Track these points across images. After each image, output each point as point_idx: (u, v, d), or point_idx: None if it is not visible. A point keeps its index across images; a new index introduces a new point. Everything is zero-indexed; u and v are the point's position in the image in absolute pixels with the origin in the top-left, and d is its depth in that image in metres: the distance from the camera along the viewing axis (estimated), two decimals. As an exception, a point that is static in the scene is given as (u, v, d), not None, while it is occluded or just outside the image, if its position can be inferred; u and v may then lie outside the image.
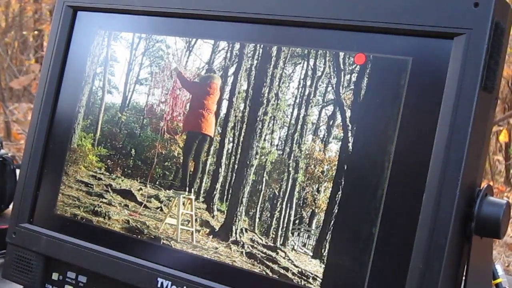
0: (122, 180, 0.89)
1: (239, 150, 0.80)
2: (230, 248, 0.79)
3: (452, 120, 0.65)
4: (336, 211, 0.73)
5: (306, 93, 0.77)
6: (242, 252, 0.78)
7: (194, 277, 0.79)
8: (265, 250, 0.77)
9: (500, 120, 4.41)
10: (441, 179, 0.65)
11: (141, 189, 0.87)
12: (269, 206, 0.78)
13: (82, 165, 0.92)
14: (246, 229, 0.79)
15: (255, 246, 0.77)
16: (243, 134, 0.80)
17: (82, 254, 0.87)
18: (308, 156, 0.76)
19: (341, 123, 0.74)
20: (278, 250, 0.76)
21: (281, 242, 0.76)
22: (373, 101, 0.72)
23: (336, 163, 0.73)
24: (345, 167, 0.72)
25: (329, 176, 0.74)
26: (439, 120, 0.66)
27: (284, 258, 0.76)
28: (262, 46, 0.80)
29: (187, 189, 0.84)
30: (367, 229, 0.69)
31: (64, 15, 0.95)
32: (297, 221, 0.76)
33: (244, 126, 0.80)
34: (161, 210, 0.85)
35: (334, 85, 0.75)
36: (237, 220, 0.79)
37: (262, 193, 0.78)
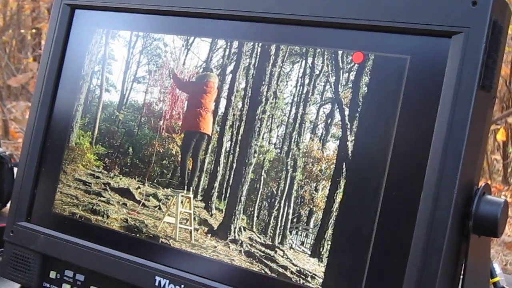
0: (120, 179, 0.89)
1: (237, 149, 0.80)
2: (229, 247, 0.79)
3: (450, 118, 0.65)
4: (334, 209, 0.73)
5: (305, 91, 0.77)
6: (240, 251, 0.78)
7: (192, 275, 0.79)
8: (263, 248, 0.77)
9: (498, 119, 4.42)
10: (439, 177, 0.65)
11: (139, 187, 0.87)
12: (267, 205, 0.78)
13: (80, 164, 0.92)
14: (244, 228, 0.79)
15: (253, 244, 0.77)
16: (241, 132, 0.80)
17: (79, 253, 0.87)
18: (306, 154, 0.76)
19: (339, 122, 0.74)
20: (276, 249, 0.76)
21: (279, 241, 0.76)
22: (371, 99, 0.72)
23: (334, 161, 0.73)
24: (343, 166, 0.72)
25: (327, 174, 0.74)
26: (437, 118, 0.66)
27: (282, 256, 0.76)
28: (260, 44, 0.80)
29: (186, 187, 0.84)
30: (365, 227, 0.69)
31: (61, 13, 0.95)
32: (295, 220, 0.76)
33: (243, 124, 0.80)
34: (159, 208, 0.85)
35: (332, 84, 0.75)
36: (235, 219, 0.79)
37: (260, 191, 0.78)
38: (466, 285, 0.68)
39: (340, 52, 0.74)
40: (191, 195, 0.83)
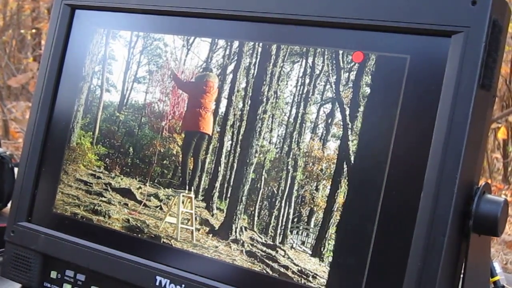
0: (121, 179, 0.89)
1: (238, 149, 0.80)
2: (230, 247, 0.79)
3: (450, 118, 0.65)
4: (334, 209, 0.73)
5: (305, 91, 0.77)
6: (242, 251, 0.78)
7: (192, 275, 0.79)
8: (264, 248, 0.77)
9: (498, 118, 4.42)
10: (439, 177, 0.65)
11: (140, 187, 0.88)
12: (268, 205, 0.78)
13: (81, 164, 0.92)
14: (245, 228, 0.79)
15: (254, 244, 0.78)
16: (242, 132, 0.81)
17: (80, 253, 0.87)
18: (307, 154, 0.76)
19: (339, 121, 0.74)
20: (277, 249, 0.76)
21: (280, 241, 0.76)
22: (372, 99, 0.72)
23: (335, 161, 0.73)
24: (344, 165, 0.73)
25: (327, 174, 0.74)
26: (437, 118, 0.66)
27: (283, 256, 0.76)
28: (261, 44, 0.80)
29: (187, 187, 0.84)
30: (366, 227, 0.70)
31: (62, 14, 0.95)
32: (295, 219, 0.76)
33: (243, 124, 0.81)
34: (161, 208, 0.85)
35: (332, 83, 0.75)
36: (236, 219, 0.79)
37: (261, 191, 0.78)
38: (466, 284, 0.68)
39: (340, 52, 0.74)
40: (192, 195, 0.84)
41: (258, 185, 0.79)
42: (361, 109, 0.72)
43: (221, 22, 0.83)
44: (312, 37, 0.77)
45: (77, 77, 0.93)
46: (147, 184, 0.87)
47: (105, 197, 0.90)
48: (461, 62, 0.65)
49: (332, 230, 0.73)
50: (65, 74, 0.94)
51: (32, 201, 0.94)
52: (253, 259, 0.77)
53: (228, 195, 0.81)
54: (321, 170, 0.75)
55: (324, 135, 0.75)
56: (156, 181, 0.87)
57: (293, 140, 0.77)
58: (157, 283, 0.81)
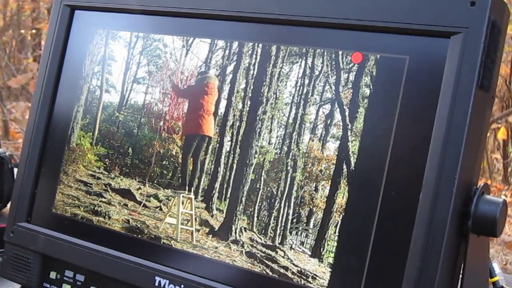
0: (121, 179, 0.89)
1: (238, 149, 0.80)
2: (230, 248, 0.79)
3: (449, 118, 0.65)
4: (334, 210, 0.73)
5: (305, 92, 0.77)
6: (241, 252, 0.78)
7: (191, 275, 0.79)
8: (264, 249, 0.77)
9: (498, 118, 4.42)
10: (438, 177, 0.65)
11: (140, 188, 0.88)
12: (267, 205, 0.78)
13: (81, 164, 0.92)
14: (245, 228, 0.79)
15: (254, 245, 0.78)
16: (241, 133, 0.81)
17: (80, 253, 0.87)
18: (306, 155, 0.76)
19: (339, 122, 0.74)
20: (277, 249, 0.76)
21: (279, 241, 0.76)
22: (371, 99, 0.72)
23: (334, 161, 0.73)
24: (344, 166, 0.73)
25: (327, 174, 0.74)
26: (436, 118, 0.66)
27: (283, 257, 0.76)
28: (260, 45, 0.80)
29: (187, 188, 0.84)
30: (365, 227, 0.70)
31: (61, 14, 0.95)
32: (295, 220, 0.76)
33: (243, 125, 0.81)
34: (160, 209, 0.86)
35: (332, 84, 0.75)
36: (236, 220, 0.79)
37: (260, 192, 0.79)
38: (465, 284, 0.68)
39: (339, 53, 0.74)
40: (192, 195, 0.84)
41: (258, 186, 0.79)
42: (361, 110, 0.72)
43: (221, 23, 0.83)
44: (312, 38, 0.77)
45: (76, 77, 0.94)
46: (147, 184, 0.87)
47: (105, 197, 0.90)
48: (460, 63, 0.65)
49: (331, 230, 0.73)
50: (64, 74, 0.94)
51: (32, 201, 0.94)
52: (253, 259, 0.77)
53: (228, 195, 0.81)
54: (321, 171, 0.75)
55: (323, 135, 0.75)
56: (155, 181, 0.87)
57: (293, 140, 0.77)
58: (157, 284, 0.81)
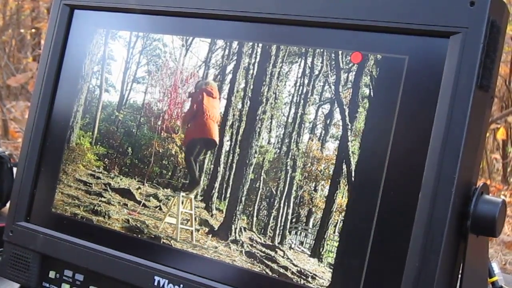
0: (121, 179, 0.89)
1: (237, 149, 0.80)
2: (230, 247, 0.79)
3: (448, 118, 0.65)
4: (333, 209, 0.73)
5: (304, 91, 0.77)
6: (241, 251, 0.78)
7: (191, 275, 0.79)
8: (264, 249, 0.77)
9: (497, 119, 4.43)
10: (437, 177, 0.65)
11: (139, 187, 0.88)
12: (266, 205, 0.78)
13: (80, 164, 0.92)
14: (245, 228, 0.79)
15: (254, 245, 0.78)
16: (241, 132, 0.81)
17: (79, 253, 0.87)
18: (305, 154, 0.76)
19: (338, 122, 0.74)
20: (276, 249, 0.76)
21: (279, 241, 0.76)
22: (370, 99, 0.72)
23: (334, 161, 0.74)
24: (343, 166, 0.73)
25: (326, 174, 0.74)
26: (435, 118, 0.66)
27: (283, 257, 0.76)
28: (260, 44, 0.80)
29: (196, 191, 0.84)
30: (364, 227, 0.70)
31: (61, 14, 0.95)
32: (294, 220, 0.76)
33: (243, 124, 0.81)
34: (160, 209, 0.86)
35: (331, 84, 0.75)
36: (236, 219, 0.79)
37: (260, 191, 0.79)
38: (464, 284, 0.68)
39: (339, 53, 0.74)
40: (192, 195, 0.84)
41: (257, 186, 0.79)
42: (360, 109, 0.72)
43: (220, 23, 0.83)
44: (311, 38, 0.77)
45: (76, 77, 0.94)
46: (146, 184, 0.87)
47: (104, 197, 0.90)
48: (459, 63, 0.65)
49: (330, 230, 0.73)
50: (64, 74, 0.94)
51: (31, 201, 0.94)
52: (252, 259, 0.77)
53: (228, 195, 0.81)
54: (320, 170, 0.75)
55: (323, 135, 0.75)
56: (155, 181, 0.87)
57: (292, 140, 0.77)
58: (156, 283, 0.81)
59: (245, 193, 0.79)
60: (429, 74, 0.68)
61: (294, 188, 0.76)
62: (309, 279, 0.73)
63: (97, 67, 0.93)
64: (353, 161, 0.72)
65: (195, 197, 0.83)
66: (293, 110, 0.77)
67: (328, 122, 0.75)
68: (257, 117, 0.79)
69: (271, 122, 0.79)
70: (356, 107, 0.73)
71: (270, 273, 0.76)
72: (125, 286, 0.84)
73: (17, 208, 0.94)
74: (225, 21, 0.82)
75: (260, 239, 0.77)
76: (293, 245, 0.76)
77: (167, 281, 0.80)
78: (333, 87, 0.75)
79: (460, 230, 0.67)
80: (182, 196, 0.84)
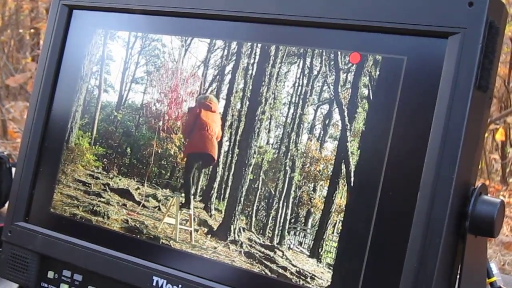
0: (120, 179, 0.89)
1: (236, 149, 0.80)
2: (229, 248, 0.79)
3: (447, 119, 0.65)
4: (332, 210, 0.73)
5: (303, 92, 0.77)
6: (240, 252, 0.78)
7: (189, 275, 0.79)
8: (263, 249, 0.77)
9: (496, 119, 4.43)
10: (436, 178, 0.65)
11: (138, 188, 0.88)
12: (265, 205, 0.78)
13: (79, 164, 0.92)
14: (244, 229, 0.79)
15: (253, 245, 0.78)
16: (240, 133, 0.81)
17: (77, 253, 0.87)
18: (304, 155, 0.76)
19: (337, 122, 0.74)
20: (275, 250, 0.76)
21: (277, 241, 0.76)
22: (369, 100, 0.72)
23: (333, 162, 0.74)
24: (342, 166, 0.73)
25: (325, 175, 0.74)
26: (433, 119, 0.66)
27: (281, 257, 0.76)
28: (259, 45, 0.80)
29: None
30: (363, 227, 0.70)
31: (59, 14, 0.95)
32: (293, 220, 0.76)
33: (242, 125, 0.81)
34: (159, 209, 0.86)
35: (330, 84, 0.75)
36: (235, 220, 0.79)
37: (259, 192, 0.79)
38: (463, 285, 0.68)
39: (337, 53, 0.74)
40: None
41: (256, 186, 0.79)
42: (359, 110, 0.72)
43: (219, 23, 0.83)
44: (310, 38, 0.77)
45: (75, 77, 0.94)
46: (145, 184, 0.87)
47: (103, 197, 0.90)
48: (458, 63, 0.65)
49: (329, 231, 0.73)
50: (62, 74, 0.94)
51: (30, 201, 0.94)
52: (251, 260, 0.77)
53: (226, 195, 0.81)
54: (319, 171, 0.75)
55: (321, 136, 0.75)
56: (153, 181, 0.87)
57: (291, 141, 0.77)
58: (154, 283, 0.81)
59: (244, 193, 0.79)
60: (427, 75, 0.68)
61: (293, 188, 0.76)
62: (308, 279, 0.73)
63: (96, 67, 0.93)
64: (352, 161, 0.72)
65: (194, 197, 0.83)
66: (292, 111, 0.77)
67: (327, 122, 0.75)
68: (256, 118, 0.79)
69: (270, 123, 0.79)
70: (355, 108, 0.73)
71: (269, 273, 0.76)
72: (123, 286, 0.84)
73: (16, 208, 0.94)
74: (224, 22, 0.82)
75: (259, 239, 0.77)
76: (292, 246, 0.76)
77: (165, 281, 0.80)
78: (332, 87, 0.75)
79: (458, 231, 0.67)
80: (181, 196, 0.84)
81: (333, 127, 0.74)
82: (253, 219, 0.78)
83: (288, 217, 0.76)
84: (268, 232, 0.77)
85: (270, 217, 0.77)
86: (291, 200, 0.76)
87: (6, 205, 1.08)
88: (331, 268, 0.72)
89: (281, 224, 0.77)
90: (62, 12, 0.95)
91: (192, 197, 0.82)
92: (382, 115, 0.70)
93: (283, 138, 0.78)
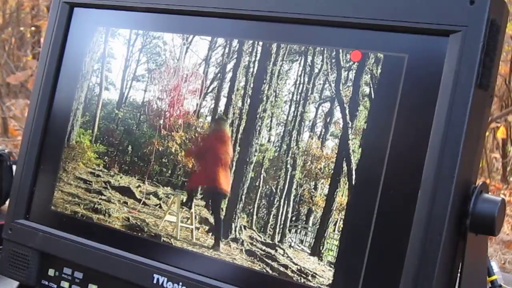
0: (121, 177, 0.89)
1: (237, 147, 0.80)
2: (230, 246, 0.79)
3: (448, 117, 0.65)
4: (333, 208, 0.73)
5: (304, 90, 0.77)
6: (241, 250, 0.78)
7: (190, 273, 0.79)
8: (264, 247, 0.77)
9: (497, 118, 4.43)
10: (437, 176, 0.65)
11: (139, 186, 0.88)
12: (266, 203, 0.78)
13: (80, 162, 0.92)
14: (245, 226, 0.79)
15: (254, 243, 0.78)
16: (241, 131, 0.81)
17: (78, 250, 0.87)
18: (305, 153, 0.76)
19: (338, 120, 0.74)
20: (276, 248, 0.76)
21: (278, 239, 0.76)
22: (370, 98, 0.72)
23: (334, 160, 0.74)
24: (343, 164, 0.73)
25: (326, 173, 0.74)
26: (434, 117, 0.66)
27: (283, 255, 0.76)
28: (260, 43, 0.80)
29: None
30: (363, 225, 0.70)
31: (60, 12, 0.95)
32: (294, 218, 0.76)
33: (243, 123, 0.81)
34: (160, 207, 0.86)
35: (332, 82, 0.75)
36: (236, 218, 0.79)
37: (260, 190, 0.79)
38: (463, 283, 0.68)
39: (339, 51, 0.74)
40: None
41: (257, 184, 0.79)
42: (361, 108, 0.72)
43: (221, 21, 0.83)
44: (311, 36, 0.77)
45: (75, 75, 0.93)
46: (146, 182, 0.87)
47: (104, 195, 0.90)
48: (459, 62, 0.65)
49: (330, 229, 0.73)
50: (63, 72, 0.94)
51: (30, 198, 0.94)
52: (252, 258, 0.77)
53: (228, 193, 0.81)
54: (320, 169, 0.75)
55: (323, 134, 0.75)
56: (155, 179, 0.87)
57: (292, 138, 0.77)
58: (155, 281, 0.81)
59: (245, 191, 0.79)
60: (428, 73, 0.68)
61: (294, 186, 0.76)
62: (309, 277, 0.73)
63: (97, 65, 0.93)
64: (354, 159, 0.72)
65: (195, 195, 0.83)
66: (293, 109, 0.77)
67: (328, 120, 0.75)
68: (257, 115, 0.79)
69: (271, 120, 0.79)
70: (357, 106, 0.73)
71: (270, 271, 0.76)
72: (124, 284, 0.84)
73: (17, 205, 0.94)
74: (226, 19, 0.82)
75: (260, 237, 0.77)
76: (293, 244, 0.76)
77: (166, 279, 0.80)
78: (333, 85, 0.75)
79: (459, 229, 0.67)
80: (182, 194, 0.84)
81: (334, 125, 0.74)
82: (254, 217, 0.78)
83: (289, 215, 0.76)
84: (269, 230, 0.77)
85: (271, 215, 0.77)
86: (292, 198, 0.76)
87: (7, 203, 1.08)
88: (332, 266, 0.72)
89: (282, 222, 0.77)
90: (63, 10, 0.95)
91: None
92: (383, 113, 0.70)
93: (284, 136, 0.78)
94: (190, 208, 0.83)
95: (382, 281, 0.68)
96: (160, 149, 0.87)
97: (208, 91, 0.84)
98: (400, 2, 0.70)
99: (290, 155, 0.77)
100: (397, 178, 0.69)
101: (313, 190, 0.75)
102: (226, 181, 0.80)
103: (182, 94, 0.86)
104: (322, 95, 0.76)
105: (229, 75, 0.82)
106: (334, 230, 0.73)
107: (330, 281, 0.72)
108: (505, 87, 5.02)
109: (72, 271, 0.90)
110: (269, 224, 0.77)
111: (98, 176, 0.91)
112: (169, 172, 0.86)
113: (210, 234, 0.81)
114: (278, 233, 0.77)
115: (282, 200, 0.77)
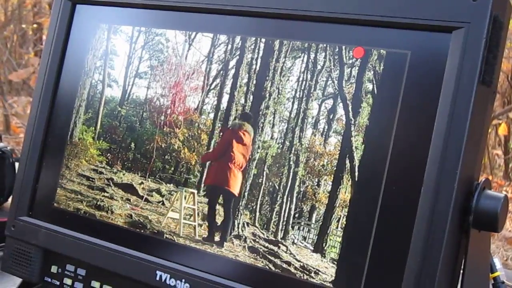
0: (123, 174, 0.89)
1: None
2: (233, 243, 0.79)
3: (451, 113, 0.65)
4: (336, 205, 0.73)
5: (307, 86, 0.77)
6: (244, 247, 0.78)
7: (192, 270, 0.80)
8: (267, 244, 0.77)
9: (499, 114, 4.42)
10: (439, 172, 0.65)
11: (142, 183, 0.88)
12: (269, 200, 0.78)
13: (83, 159, 0.92)
14: (248, 223, 0.79)
15: (257, 240, 0.78)
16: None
17: (81, 247, 0.88)
18: (308, 149, 0.76)
19: (341, 117, 0.74)
20: (279, 244, 0.76)
21: (281, 236, 0.77)
22: (373, 94, 0.72)
23: (337, 156, 0.74)
24: (346, 161, 0.73)
25: (329, 169, 0.74)
26: (437, 113, 0.66)
27: (285, 252, 0.76)
28: (263, 39, 0.80)
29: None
30: (366, 222, 0.70)
31: (63, 9, 0.95)
32: (297, 215, 0.76)
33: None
34: (163, 204, 0.86)
35: (335, 79, 0.75)
36: (239, 214, 0.79)
37: (263, 187, 0.79)
38: (466, 279, 0.68)
39: (342, 47, 0.74)
40: (194, 190, 0.84)
41: (260, 181, 0.79)
42: (364, 104, 0.72)
43: (223, 17, 0.83)
44: (314, 33, 0.77)
45: (78, 72, 0.94)
46: (149, 179, 0.87)
47: (107, 192, 0.90)
48: (462, 58, 0.65)
49: (333, 225, 0.73)
50: (66, 69, 0.94)
51: (33, 195, 0.94)
52: (255, 254, 0.77)
53: (230, 190, 0.81)
54: (323, 165, 0.75)
55: (326, 130, 0.75)
56: (157, 176, 0.87)
57: (295, 135, 0.77)
58: (158, 278, 0.81)
59: (248, 188, 0.79)
60: (431, 69, 0.68)
61: (297, 183, 0.76)
62: (312, 274, 0.73)
63: (100, 62, 0.93)
64: (357, 156, 0.72)
65: (198, 192, 0.83)
66: (296, 105, 0.77)
67: (331, 117, 0.75)
68: (260, 112, 0.79)
69: (274, 117, 0.79)
70: (359, 102, 0.73)
71: (273, 268, 0.76)
72: (127, 281, 0.84)
73: (19, 203, 0.94)
74: (228, 16, 0.82)
75: (263, 234, 0.78)
76: (296, 240, 0.76)
77: (169, 275, 0.80)
78: (336, 82, 0.75)
79: (462, 225, 0.67)
80: (185, 191, 0.84)
81: (337, 121, 0.74)
82: (257, 214, 0.78)
83: (292, 212, 0.76)
84: (272, 227, 0.77)
85: (274, 212, 0.77)
86: (295, 195, 0.76)
87: (10, 200, 1.08)
88: (335, 263, 0.72)
89: (285, 219, 0.77)
90: (65, 7, 0.95)
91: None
92: (386, 110, 0.70)
93: (287, 132, 0.78)
94: (193, 204, 0.83)
95: (384, 277, 0.68)
96: (162, 146, 0.87)
97: (211, 88, 0.84)
98: (403, -2, 0.69)
99: (293, 152, 0.77)
100: (400, 175, 0.69)
101: (316, 187, 0.75)
102: (237, 184, 0.80)
103: (184, 91, 0.86)
104: (325, 92, 0.76)
105: (231, 72, 0.82)
106: (337, 227, 0.73)
107: (333, 278, 0.72)
108: (507, 84, 5.01)
109: (75, 268, 0.90)
110: (272, 221, 0.77)
111: (101, 173, 0.91)
112: (172, 169, 0.86)
113: (213, 230, 0.81)
114: (281, 230, 0.77)
115: (285, 197, 0.77)
